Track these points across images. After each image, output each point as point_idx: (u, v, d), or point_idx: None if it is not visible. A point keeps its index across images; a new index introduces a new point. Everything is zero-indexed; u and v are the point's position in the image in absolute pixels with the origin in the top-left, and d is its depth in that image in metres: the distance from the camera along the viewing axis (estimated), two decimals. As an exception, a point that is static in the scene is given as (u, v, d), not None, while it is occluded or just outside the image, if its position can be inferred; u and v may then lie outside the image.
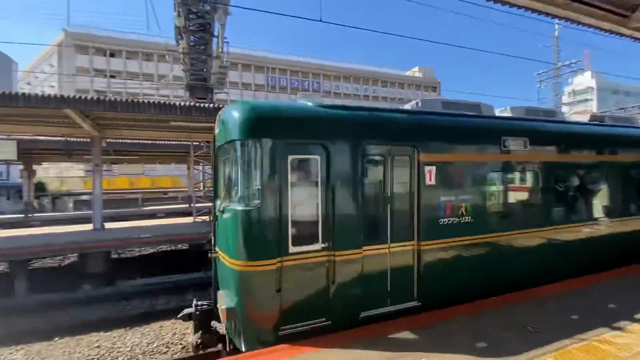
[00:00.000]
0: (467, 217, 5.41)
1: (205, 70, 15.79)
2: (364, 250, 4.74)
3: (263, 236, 4.27)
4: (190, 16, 12.93)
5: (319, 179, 4.55)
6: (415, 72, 60.99)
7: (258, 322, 4.35)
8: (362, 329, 4.46)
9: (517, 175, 6.28)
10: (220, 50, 14.28)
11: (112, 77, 40.27)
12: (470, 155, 5.63)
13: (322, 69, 51.92)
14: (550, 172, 6.33)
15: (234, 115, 4.51)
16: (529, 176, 6.29)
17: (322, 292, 4.52)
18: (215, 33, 13.86)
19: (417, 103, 6.14)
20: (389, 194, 5.01)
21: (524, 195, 6.36)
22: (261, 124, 4.43)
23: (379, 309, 4.85)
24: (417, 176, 5.09)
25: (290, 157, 4.41)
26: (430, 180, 5.16)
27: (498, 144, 5.77)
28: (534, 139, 6.11)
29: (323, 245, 4.52)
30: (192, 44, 14.24)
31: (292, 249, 4.37)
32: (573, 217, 6.65)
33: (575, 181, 6.86)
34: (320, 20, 7.81)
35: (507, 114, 6.82)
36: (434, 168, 5.18)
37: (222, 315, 4.57)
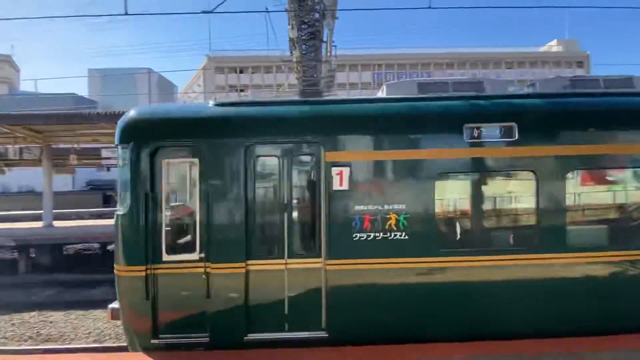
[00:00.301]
0: (399, 233, 4.13)
1: (315, 75, 16.86)
2: (248, 265, 4.17)
3: (132, 242, 4.20)
4: (302, 26, 13.98)
5: (198, 184, 4.21)
6: (552, 46, 50.96)
7: (133, 326, 4.31)
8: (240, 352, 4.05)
9: (494, 177, 4.54)
10: (329, 54, 15.01)
11: (242, 90, 47.09)
12: (406, 152, 4.24)
13: (432, 57, 48.73)
14: (561, 172, 4.24)
15: (119, 120, 4.56)
16: (519, 178, 4.48)
17: (200, 306, 4.18)
18: (324, 39, 14.61)
19: (382, 89, 4.95)
20: (285, 201, 4.30)
21: (508, 206, 4.60)
22: (134, 128, 4.39)
23: (271, 334, 4.22)
24: (323, 179, 4.19)
25: (164, 161, 4.23)
26: (341, 184, 4.14)
27: (458, 134, 4.19)
28: (532, 125, 4.28)
29: (201, 256, 4.17)
30: (304, 52, 15.38)
31: (166, 257, 4.19)
32: (597, 243, 4.40)
33: (618, 187, 4.57)
34: (430, 7, 7.35)
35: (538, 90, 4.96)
36: (346, 169, 4.14)
37: (107, 314, 4.63)
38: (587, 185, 4.57)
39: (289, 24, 12.89)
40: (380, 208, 4.16)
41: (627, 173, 4.51)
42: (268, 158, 4.42)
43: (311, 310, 4.21)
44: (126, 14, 7.26)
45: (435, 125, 4.37)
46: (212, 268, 4.16)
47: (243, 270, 4.17)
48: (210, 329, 4.21)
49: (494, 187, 4.61)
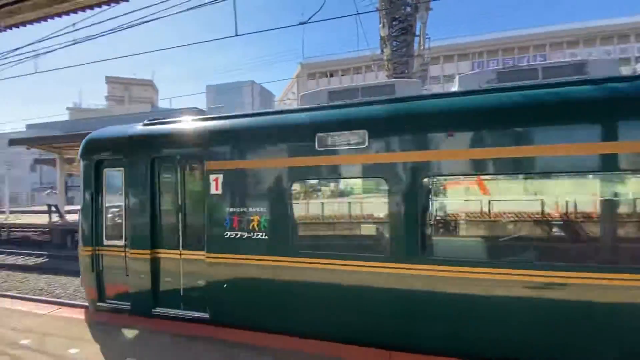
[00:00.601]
0: (260, 233, 4.63)
1: (406, 71, 16.29)
2: (153, 252, 5.27)
3: (85, 228, 5.74)
4: (393, 23, 13.68)
5: (123, 188, 5.46)
6: None
7: (87, 291, 5.89)
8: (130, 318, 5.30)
9: (345, 183, 4.67)
10: (422, 47, 14.32)
11: (331, 93, 48.69)
12: (264, 161, 4.68)
13: (547, 36, 41.72)
14: (413, 179, 4.03)
15: None
16: (371, 185, 4.50)
17: (124, 281, 5.48)
18: (417, 32, 14.02)
19: (300, 99, 5.31)
20: (180, 203, 5.24)
21: (359, 213, 4.71)
22: (89, 146, 5.82)
23: (171, 310, 5.18)
24: (205, 185, 4.92)
25: (105, 170, 5.67)
26: (217, 189, 4.87)
27: (311, 142, 4.40)
28: (382, 131, 4.18)
29: (125, 243, 5.45)
30: (394, 49, 15.04)
31: (105, 241, 5.64)
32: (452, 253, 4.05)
33: (481, 196, 4.13)
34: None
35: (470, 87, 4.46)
36: (220, 176, 4.85)
37: (80, 280, 6.13)
38: (444, 194, 4.30)
39: (380, 23, 12.79)
40: (245, 210, 4.72)
41: (495, 180, 4.03)
42: (167, 168, 5.36)
43: (198, 293, 5.06)
44: (236, 34, 8.27)
45: (291, 136, 4.62)
46: (130, 253, 5.41)
47: (149, 257, 5.27)
48: (130, 300, 5.45)
49: (345, 194, 4.72)
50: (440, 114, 4.08)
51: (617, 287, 3.38)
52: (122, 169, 5.51)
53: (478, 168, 3.88)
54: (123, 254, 5.48)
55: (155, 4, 6.46)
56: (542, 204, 3.89)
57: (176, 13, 7.46)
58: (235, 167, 4.81)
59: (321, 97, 5.05)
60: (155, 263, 5.30)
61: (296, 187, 4.61)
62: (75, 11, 5.31)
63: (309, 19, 8.07)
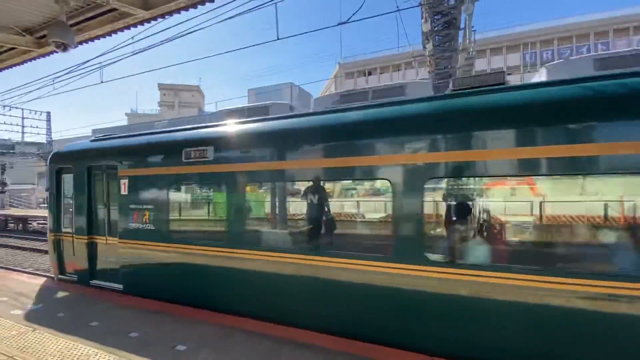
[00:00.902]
0: (150, 225, 6.14)
1: (450, 66, 15.60)
2: (89, 238, 7.08)
3: (51, 218, 7.75)
4: (435, 17, 13.18)
5: (72, 189, 7.34)
6: None
7: (52, 267, 7.93)
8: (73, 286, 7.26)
9: (201, 187, 6.36)
10: (467, 41, 13.64)
11: (369, 92, 48.06)
12: (152, 169, 6.16)
13: (611, 22, 37.64)
14: (241, 185, 5.29)
15: None
16: (219, 189, 5.79)
17: (73, 259, 7.36)
18: (461, 26, 13.39)
19: (210, 116, 6.97)
20: (105, 200, 6.96)
21: (206, 210, 6.53)
22: (53, 158, 7.88)
23: (102, 282, 6.91)
24: (119, 187, 6.50)
25: (62, 175, 7.66)
26: (124, 191, 6.47)
27: (179, 156, 5.78)
28: (221, 148, 5.49)
29: (72, 230, 7.36)
30: (437, 44, 14.48)
31: (63, 229, 7.57)
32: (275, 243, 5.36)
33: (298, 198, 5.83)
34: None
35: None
36: (126, 181, 6.43)
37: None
38: (259, 197, 5.85)
39: (422, 18, 12.40)
40: (141, 207, 6.23)
41: (311, 186, 5.27)
42: (97, 174, 7.13)
43: (116, 270, 6.66)
44: (278, 38, 8.49)
45: (167, 150, 6.05)
46: (75, 238, 7.30)
47: (86, 241, 7.13)
48: (77, 274, 7.36)
49: (201, 195, 6.48)
50: (255, 134, 5.31)
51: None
52: (72, 174, 7.44)
53: (278, 178, 5.23)
54: (71, 238, 7.40)
55: (202, 14, 6.85)
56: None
57: (219, 22, 7.83)
58: (134, 174, 6.43)
59: (221, 116, 6.36)
60: (91, 246, 7.14)
61: (171, 190, 6.06)
62: (135, 25, 5.79)
63: (349, 19, 8.05)
